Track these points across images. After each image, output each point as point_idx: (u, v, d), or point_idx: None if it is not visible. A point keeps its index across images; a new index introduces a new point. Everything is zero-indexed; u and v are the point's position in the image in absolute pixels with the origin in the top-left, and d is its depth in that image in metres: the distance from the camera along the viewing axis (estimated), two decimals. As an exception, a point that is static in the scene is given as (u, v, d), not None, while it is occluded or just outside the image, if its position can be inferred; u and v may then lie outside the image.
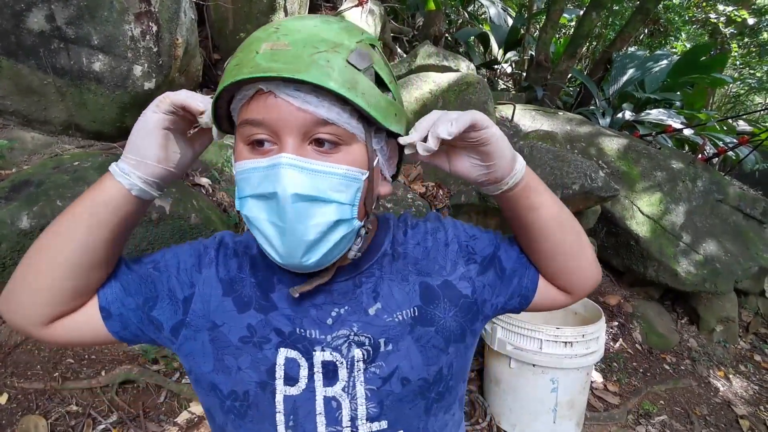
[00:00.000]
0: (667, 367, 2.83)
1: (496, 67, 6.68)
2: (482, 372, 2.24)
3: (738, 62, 8.78)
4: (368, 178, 0.55)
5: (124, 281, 0.61)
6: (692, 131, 4.48)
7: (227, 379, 0.58)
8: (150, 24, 2.44)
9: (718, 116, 6.08)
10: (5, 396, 1.76)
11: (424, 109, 3.15)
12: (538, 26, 6.93)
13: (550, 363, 1.90)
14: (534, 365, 1.93)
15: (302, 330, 0.59)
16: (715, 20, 7.55)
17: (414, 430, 0.60)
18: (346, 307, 0.60)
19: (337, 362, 0.58)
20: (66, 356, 1.98)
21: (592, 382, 2.47)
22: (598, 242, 3.16)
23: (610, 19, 7.13)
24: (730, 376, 2.88)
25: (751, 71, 9.04)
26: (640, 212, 3.09)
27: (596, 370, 2.61)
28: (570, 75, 5.56)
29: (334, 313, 0.59)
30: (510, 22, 6.69)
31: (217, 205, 2.55)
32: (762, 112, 7.74)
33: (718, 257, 3.03)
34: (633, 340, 2.93)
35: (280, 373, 0.57)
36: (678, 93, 5.19)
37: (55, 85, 2.38)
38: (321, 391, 0.58)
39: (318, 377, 0.58)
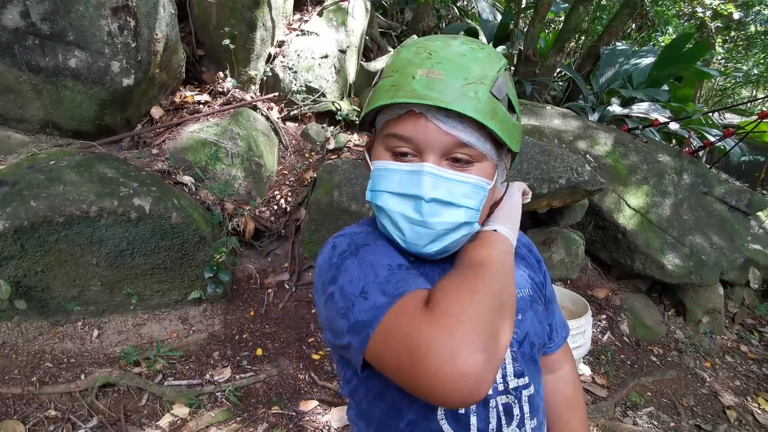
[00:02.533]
0: (654, 358, 2.84)
1: (484, 62, 6.64)
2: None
3: (722, 57, 8.85)
4: (491, 188, 0.65)
5: None
6: (678, 124, 4.50)
7: None
8: (127, 19, 2.38)
9: (706, 109, 6.12)
10: (-20, 402, 1.72)
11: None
12: (526, 21, 6.92)
13: (537, 358, 1.89)
14: (521, 360, 1.92)
15: None
16: (702, 14, 7.59)
17: (537, 384, 0.74)
18: None
19: None
20: (44, 360, 1.94)
21: (580, 375, 2.48)
22: (587, 235, 3.16)
23: (598, 14, 7.14)
24: (717, 366, 2.91)
25: (738, 64, 9.12)
26: (627, 205, 3.10)
27: (584, 363, 2.61)
28: (558, 69, 5.56)
29: None
30: (499, 17, 6.67)
31: (201, 203, 2.51)
32: (748, 104, 7.81)
33: (703, 249, 3.04)
34: (621, 333, 2.94)
35: None
36: (665, 86, 5.21)
37: (30, 82, 2.32)
38: None
39: None
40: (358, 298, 0.58)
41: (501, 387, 0.68)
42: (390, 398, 0.66)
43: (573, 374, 0.89)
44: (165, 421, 1.82)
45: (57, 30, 2.28)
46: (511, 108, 0.64)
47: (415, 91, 0.58)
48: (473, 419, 0.65)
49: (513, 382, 0.69)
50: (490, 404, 0.66)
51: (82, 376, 1.89)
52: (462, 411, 0.65)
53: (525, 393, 0.70)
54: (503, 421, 0.67)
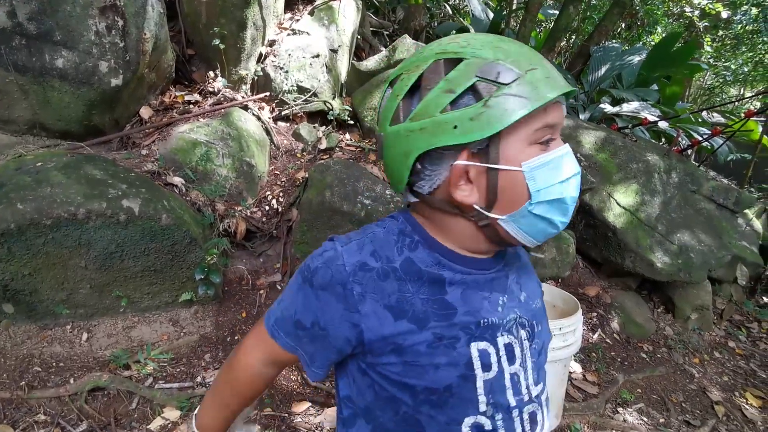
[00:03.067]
0: (644, 355, 2.87)
1: (476, 61, 6.66)
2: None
3: (710, 57, 8.95)
4: None
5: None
6: (667, 123, 4.55)
7: (421, 380, 0.64)
8: (115, 18, 2.35)
9: (694, 108, 6.19)
10: (-33, 407, 1.70)
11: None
12: (518, 20, 6.95)
13: (528, 356, 1.90)
14: (512, 359, 1.93)
15: (485, 320, 0.66)
16: (690, 14, 7.67)
17: (545, 382, 0.76)
18: (506, 296, 0.70)
19: (513, 343, 0.69)
20: (33, 364, 1.91)
21: (571, 372, 2.50)
22: (578, 234, 3.19)
23: (588, 13, 7.19)
24: (705, 362, 2.95)
25: (726, 63, 9.23)
26: (617, 204, 3.13)
27: (575, 360, 2.64)
28: (549, 68, 5.58)
29: (500, 302, 0.69)
30: (491, 15, 6.69)
31: (191, 204, 2.49)
32: (736, 103, 7.91)
33: (692, 247, 3.08)
34: (611, 330, 2.97)
35: (477, 363, 0.65)
36: (654, 86, 5.26)
37: (17, 83, 2.29)
38: (507, 369, 0.67)
39: (504, 359, 0.67)
40: (280, 301, 0.74)
41: (526, 397, 0.69)
42: (404, 411, 0.66)
43: None
44: (156, 424, 1.81)
45: (44, 30, 2.25)
46: None
47: (560, 80, 0.60)
48: None
49: (535, 390, 0.71)
50: (514, 414, 0.67)
51: (72, 380, 1.87)
52: (489, 426, 0.65)
53: (543, 398, 0.73)
54: (527, 428, 0.69)
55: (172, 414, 1.85)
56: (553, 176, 0.61)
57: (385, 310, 0.63)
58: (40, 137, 2.50)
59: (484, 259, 0.69)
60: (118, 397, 1.88)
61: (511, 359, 0.68)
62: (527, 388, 0.69)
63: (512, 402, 0.67)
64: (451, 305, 0.65)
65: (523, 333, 0.70)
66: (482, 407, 0.65)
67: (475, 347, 0.65)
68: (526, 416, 0.68)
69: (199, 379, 2.03)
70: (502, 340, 0.67)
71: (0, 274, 1.87)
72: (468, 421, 0.65)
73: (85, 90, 2.37)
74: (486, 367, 0.65)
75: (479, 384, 0.64)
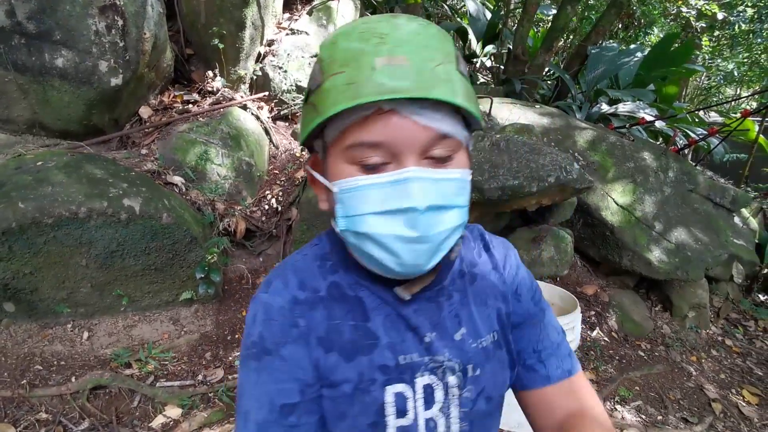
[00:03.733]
0: (641, 353, 2.89)
1: (474, 60, 6.71)
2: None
3: (707, 56, 9.01)
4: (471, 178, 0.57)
5: None
6: (664, 123, 4.58)
7: (337, 427, 0.59)
8: (115, 18, 2.36)
9: (691, 108, 6.22)
10: (-31, 406, 1.70)
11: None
12: (515, 20, 6.97)
13: (527, 354, 1.92)
14: (511, 356, 1.94)
15: (405, 357, 0.59)
16: (687, 14, 7.71)
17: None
18: (435, 333, 0.61)
19: (434, 385, 0.60)
20: (34, 363, 1.92)
21: (569, 371, 2.51)
22: (576, 233, 3.21)
23: (586, 13, 7.22)
24: (702, 360, 2.97)
25: (722, 63, 9.28)
26: (615, 203, 3.15)
27: (574, 359, 2.65)
28: (547, 68, 5.61)
29: (427, 339, 0.60)
30: (488, 15, 6.72)
31: (191, 203, 2.50)
32: (732, 102, 7.96)
33: (689, 245, 3.10)
34: (609, 328, 2.99)
35: (390, 410, 0.58)
36: (651, 86, 5.29)
37: (16, 82, 2.29)
38: (422, 414, 0.60)
39: (420, 402, 0.60)
40: (242, 417, 0.57)
41: None
42: None
43: (577, 418, 0.65)
44: (157, 422, 1.81)
45: (43, 29, 2.25)
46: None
47: (383, 85, 0.46)
48: None
49: None
50: None
51: (73, 379, 1.87)
52: None
53: None
54: None
55: (173, 412, 1.85)
56: (362, 205, 0.52)
57: (319, 344, 0.58)
58: (40, 136, 2.50)
59: (409, 283, 0.58)
60: (119, 396, 1.88)
61: (429, 403, 0.60)
62: None
63: None
64: (374, 334, 0.59)
65: (451, 379, 0.60)
66: None
67: (391, 391, 0.58)
68: None
69: (200, 377, 2.03)
70: (420, 381, 0.59)
71: (1, 273, 1.88)
72: None
73: (84, 89, 2.37)
74: (401, 413, 0.59)
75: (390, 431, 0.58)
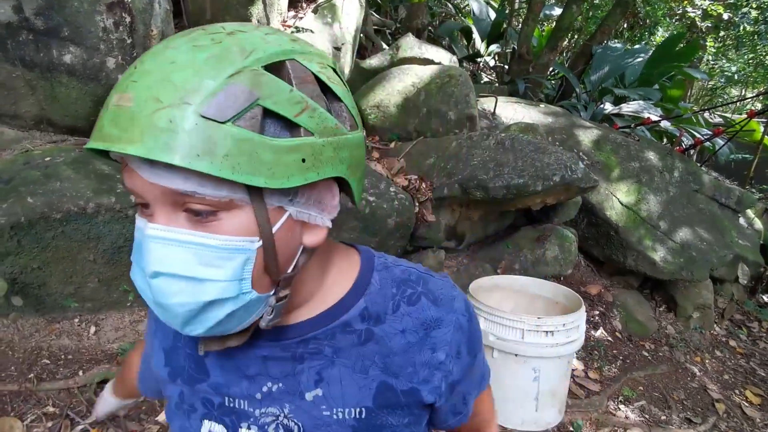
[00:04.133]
0: (645, 353, 2.89)
1: (479, 60, 6.70)
2: (466, 363, 2.25)
3: (712, 57, 8.97)
4: (264, 246, 0.44)
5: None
6: (669, 123, 4.57)
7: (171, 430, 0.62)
8: (123, 15, 2.37)
9: (696, 108, 6.21)
10: (-22, 399, 1.71)
11: (407, 101, 3.15)
12: (520, 20, 6.96)
13: (532, 352, 1.92)
14: (516, 355, 1.95)
15: (231, 401, 0.54)
16: (692, 14, 7.69)
17: None
18: (280, 384, 0.53)
19: None
20: (41, 357, 1.93)
21: (573, 369, 2.52)
22: (580, 233, 3.21)
23: (591, 13, 7.20)
24: (707, 361, 2.97)
25: (727, 64, 9.25)
26: (619, 203, 3.15)
27: (578, 358, 2.66)
28: (552, 68, 5.61)
29: (265, 389, 0.54)
30: (492, 15, 6.71)
31: (197, 200, 2.51)
32: (737, 103, 7.93)
33: (694, 246, 3.10)
34: (613, 328, 2.99)
35: None
36: (656, 85, 5.29)
37: (24, 78, 2.30)
38: None
39: None
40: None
41: None
42: None
43: (482, 426, 0.71)
44: (163, 416, 1.82)
45: (51, 25, 2.26)
46: (286, 123, 0.42)
47: (102, 131, 0.40)
48: None
49: None
50: None
51: (80, 373, 1.88)
52: None
53: None
54: None
55: (179, 407, 1.86)
56: (133, 250, 0.47)
57: (161, 351, 0.61)
58: (47, 132, 2.51)
59: (211, 340, 0.51)
60: (125, 390, 1.89)
61: None
62: None
63: None
64: (205, 370, 0.56)
65: None
66: None
67: (207, 427, 0.55)
68: None
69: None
70: None
71: (9, 267, 1.89)
72: None
73: (92, 86, 2.38)
74: None
75: None
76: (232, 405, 0.54)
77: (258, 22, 3.27)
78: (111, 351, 2.03)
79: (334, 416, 0.53)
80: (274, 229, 0.44)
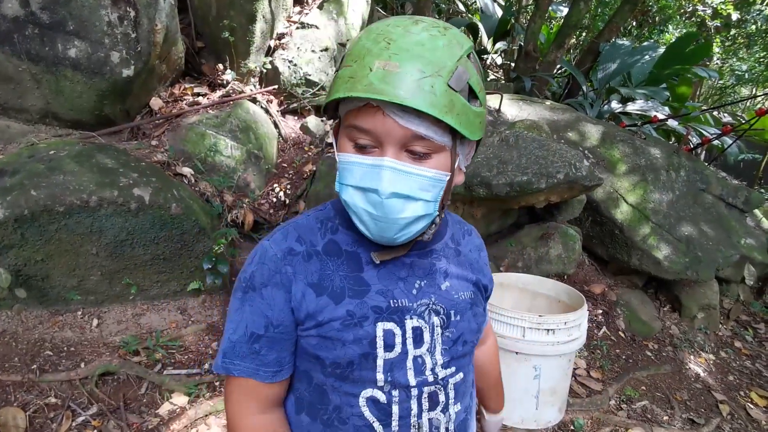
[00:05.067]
0: (649, 353, 2.87)
1: (485, 57, 6.66)
2: (467, 360, 2.24)
3: (721, 56, 8.85)
4: (449, 179, 0.65)
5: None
6: (677, 122, 4.51)
7: (330, 354, 0.69)
8: (127, 9, 2.38)
9: (704, 107, 6.13)
10: (-19, 389, 1.73)
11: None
12: (527, 17, 6.91)
13: (533, 350, 1.91)
14: (517, 353, 1.94)
15: (395, 301, 0.70)
16: (702, 12, 7.59)
17: (466, 370, 0.79)
18: (425, 281, 0.73)
19: (423, 327, 0.71)
20: (44, 348, 1.95)
21: (575, 368, 2.50)
22: (584, 231, 3.18)
23: (599, 10, 7.13)
24: (711, 362, 2.94)
25: (737, 62, 9.12)
26: (624, 201, 3.12)
27: (580, 357, 2.64)
28: (558, 65, 5.56)
29: (417, 285, 0.72)
30: (500, 12, 6.66)
31: (200, 195, 2.52)
32: (748, 101, 7.83)
33: (700, 245, 3.06)
34: (616, 328, 2.97)
35: (380, 343, 0.68)
36: (664, 84, 5.22)
37: (30, 72, 2.32)
38: (411, 352, 0.70)
39: (409, 341, 0.70)
40: (224, 334, 0.72)
41: (430, 378, 0.72)
42: (315, 382, 0.72)
43: (495, 345, 1.05)
44: (164, 409, 1.83)
45: (57, 19, 2.27)
46: (473, 95, 0.63)
47: (372, 85, 0.57)
48: (395, 408, 0.70)
49: (442, 373, 0.73)
50: (412, 393, 0.70)
51: (82, 365, 1.90)
52: (384, 400, 0.69)
53: (452, 381, 0.75)
54: (425, 407, 0.72)
55: (180, 400, 1.87)
56: (349, 177, 0.63)
57: (309, 287, 0.69)
58: (52, 126, 2.53)
59: (385, 250, 0.70)
60: (127, 382, 1.91)
61: (418, 343, 0.71)
62: (432, 371, 0.72)
63: (412, 382, 0.70)
64: (366, 282, 0.69)
65: (435, 319, 0.73)
66: (380, 383, 0.69)
67: (381, 327, 0.69)
68: (425, 396, 0.72)
69: (206, 366, 2.06)
70: (410, 323, 0.70)
71: (13, 259, 1.91)
72: (365, 393, 0.69)
73: (97, 80, 2.39)
74: (389, 347, 0.69)
75: (379, 362, 0.69)
76: (396, 305, 0.70)
77: (263, 17, 3.27)
78: (113, 344, 2.04)
79: (461, 297, 0.77)
80: (452, 169, 0.65)
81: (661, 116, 4.10)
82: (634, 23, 7.67)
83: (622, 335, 2.95)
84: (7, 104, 2.40)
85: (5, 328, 1.97)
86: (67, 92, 2.40)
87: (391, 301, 0.70)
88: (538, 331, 1.89)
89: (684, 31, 8.25)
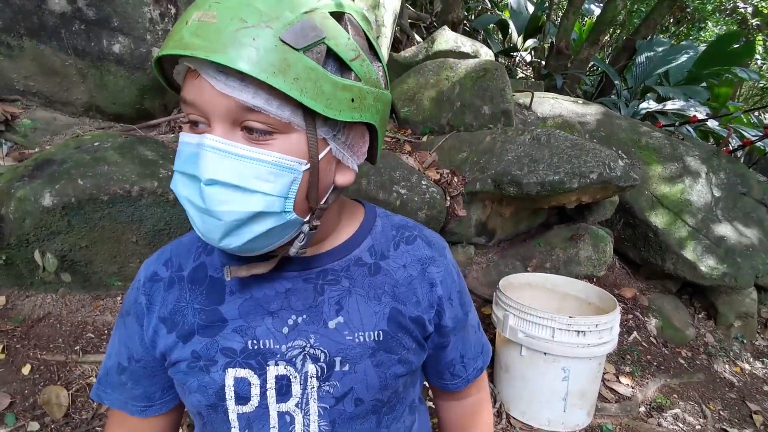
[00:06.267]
0: (681, 361, 2.79)
1: (515, 54, 6.56)
2: (492, 358, 2.24)
3: (762, 55, 8.46)
4: (311, 170, 0.49)
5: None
6: (717, 122, 4.35)
7: (185, 399, 0.61)
8: (168, 6, 2.45)
9: (745, 107, 5.88)
10: (28, 367, 1.82)
11: (440, 95, 3.12)
12: (558, 13, 6.77)
13: (562, 352, 1.89)
14: (545, 353, 1.92)
15: (255, 342, 0.56)
16: (743, 10, 7.27)
17: None
18: (305, 316, 0.57)
19: (291, 377, 0.56)
20: (86, 331, 2.04)
21: (604, 373, 2.46)
22: (616, 233, 3.11)
23: (636, 6, 6.92)
24: (746, 372, 2.84)
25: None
26: (660, 203, 3.03)
27: (609, 361, 2.59)
28: (591, 63, 5.43)
29: (290, 321, 0.57)
30: (530, 8, 6.55)
31: (233, 187, 2.58)
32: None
33: (739, 251, 2.95)
34: (648, 333, 2.90)
35: (230, 393, 0.56)
36: (704, 84, 5.04)
37: (76, 66, 2.42)
38: (274, 407, 0.57)
39: (271, 393, 0.57)
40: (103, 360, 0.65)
41: None
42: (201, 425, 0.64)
43: (478, 405, 0.76)
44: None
45: (102, 16, 2.36)
46: (343, 66, 0.48)
47: (181, 40, 0.43)
48: None
49: None
50: None
51: (121, 348, 1.98)
52: None
53: None
54: None
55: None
56: (178, 161, 0.49)
57: (161, 323, 0.59)
58: (96, 119, 2.64)
59: (241, 266, 0.55)
60: (163, 367, 1.98)
61: (284, 396, 0.57)
62: None
63: None
64: (222, 317, 0.57)
65: (311, 368, 0.56)
66: None
67: (232, 375, 0.56)
68: None
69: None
70: (273, 371, 0.56)
71: (60, 245, 2.00)
72: None
73: (138, 75, 2.48)
74: (242, 399, 0.56)
75: (232, 417, 0.57)
76: (256, 347, 0.56)
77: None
78: (150, 329, 2.12)
79: (356, 340, 0.57)
80: (311, 158, 0.48)
81: (700, 116, 3.96)
82: (672, 20, 7.41)
83: (654, 341, 2.88)
84: (53, 97, 2.51)
85: (50, 311, 2.07)
86: (110, 86, 2.49)
87: (250, 342, 0.56)
88: (568, 332, 1.87)
89: (724, 28, 7.92)
